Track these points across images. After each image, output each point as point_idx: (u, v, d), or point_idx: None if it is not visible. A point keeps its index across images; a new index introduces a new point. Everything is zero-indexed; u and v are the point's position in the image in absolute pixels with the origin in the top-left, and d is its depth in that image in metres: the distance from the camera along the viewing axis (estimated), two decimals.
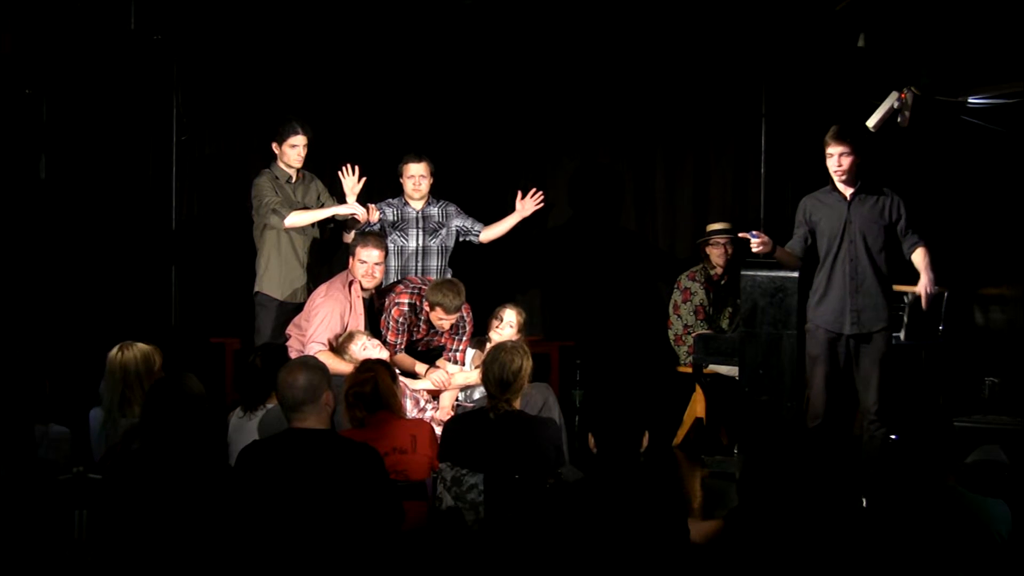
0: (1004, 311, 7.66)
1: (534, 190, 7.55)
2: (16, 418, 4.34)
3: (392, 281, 7.22)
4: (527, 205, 7.52)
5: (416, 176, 7.38)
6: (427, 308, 6.60)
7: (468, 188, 8.22)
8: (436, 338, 6.93)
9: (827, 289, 6.32)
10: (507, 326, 6.68)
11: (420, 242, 7.41)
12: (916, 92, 6.92)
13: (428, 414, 6.40)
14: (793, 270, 6.57)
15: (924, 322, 6.71)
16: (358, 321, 6.69)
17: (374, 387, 5.07)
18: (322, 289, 6.78)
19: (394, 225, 7.41)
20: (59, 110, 7.75)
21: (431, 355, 7.00)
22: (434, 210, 7.48)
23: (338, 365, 6.17)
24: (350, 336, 6.51)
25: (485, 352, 5.63)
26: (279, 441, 4.07)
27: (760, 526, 3.74)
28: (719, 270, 8.09)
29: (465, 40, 8.44)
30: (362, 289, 6.77)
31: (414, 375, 6.73)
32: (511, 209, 7.55)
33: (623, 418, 4.00)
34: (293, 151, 7.12)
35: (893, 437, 6.10)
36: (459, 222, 7.52)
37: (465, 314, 6.73)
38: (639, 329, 8.69)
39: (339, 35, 8.39)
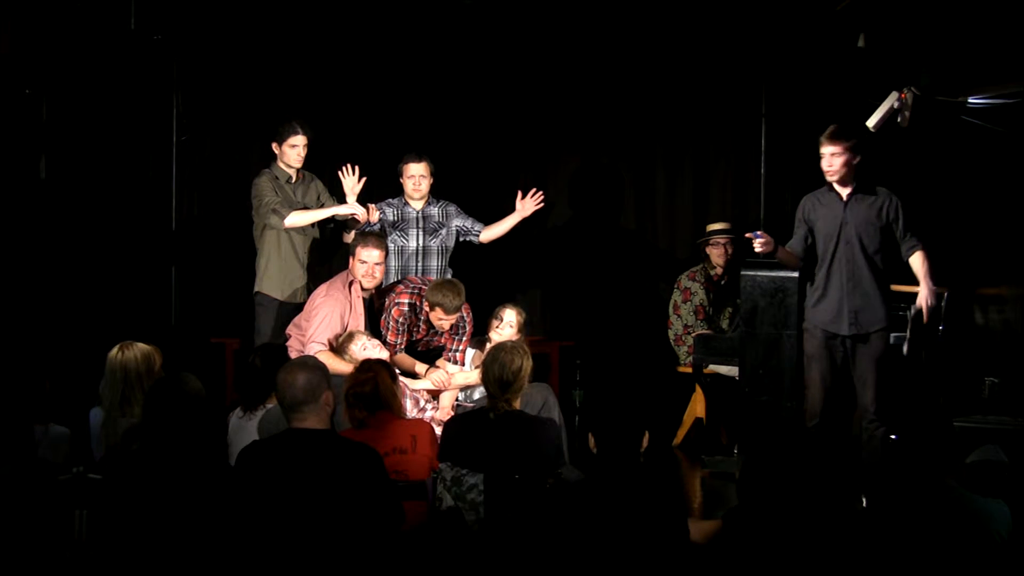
0: (1004, 311, 7.66)
1: (534, 190, 7.55)
2: (16, 418, 4.34)
3: (392, 281, 7.22)
4: (527, 205, 7.51)
5: (416, 176, 7.38)
6: (427, 308, 6.60)
7: (468, 188, 8.22)
8: (436, 338, 6.93)
9: (825, 289, 6.32)
10: (507, 326, 6.68)
11: (420, 242, 7.41)
12: (916, 92, 6.91)
13: (428, 414, 6.40)
14: (794, 270, 6.56)
15: (926, 336, 6.68)
16: (358, 321, 6.69)
17: (374, 387, 5.07)
18: (322, 289, 6.78)
19: (394, 225, 7.41)
20: (59, 110, 7.75)
21: (431, 355, 7.00)
22: (434, 210, 7.48)
23: (338, 365, 6.17)
24: (350, 336, 6.51)
25: (485, 352, 5.63)
26: (279, 441, 4.07)
27: (759, 526, 3.74)
28: (719, 270, 8.09)
29: (465, 40, 8.44)
30: (362, 289, 6.77)
31: (414, 375, 6.73)
32: (511, 209, 7.55)
33: (623, 418, 4.00)
34: (293, 151, 7.12)
35: (893, 437, 6.10)
36: (459, 222, 7.52)
37: (465, 314, 6.73)
38: (639, 329, 8.69)
39: (339, 35, 8.39)
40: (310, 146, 7.18)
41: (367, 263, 6.73)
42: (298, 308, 6.96)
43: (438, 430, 5.35)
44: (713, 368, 7.70)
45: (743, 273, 6.81)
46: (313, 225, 7.19)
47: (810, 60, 8.15)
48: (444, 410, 6.51)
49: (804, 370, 6.49)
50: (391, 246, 7.29)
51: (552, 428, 5.21)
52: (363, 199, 7.18)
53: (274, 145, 7.17)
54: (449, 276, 7.22)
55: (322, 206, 7.22)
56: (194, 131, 8.29)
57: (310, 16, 8.30)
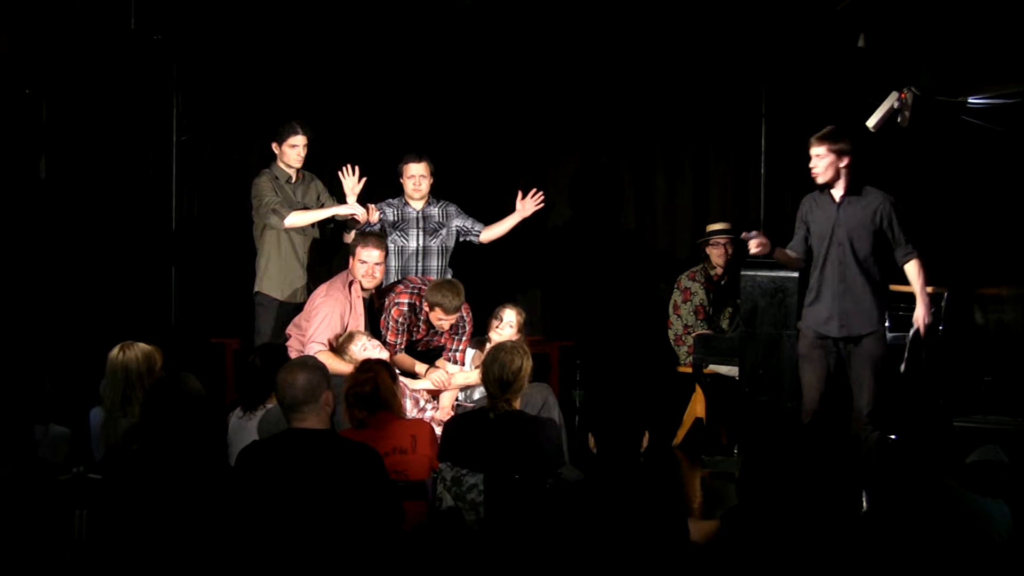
0: (1004, 311, 7.65)
1: (534, 190, 7.55)
2: (16, 418, 4.34)
3: (392, 281, 7.22)
4: (527, 205, 7.51)
5: (416, 176, 7.38)
6: (427, 308, 6.60)
7: (468, 188, 8.22)
8: (436, 338, 6.93)
9: (818, 291, 6.29)
10: (507, 326, 6.68)
11: (420, 242, 7.41)
12: (916, 92, 6.91)
13: (428, 414, 6.40)
14: (794, 270, 6.56)
15: (925, 356, 6.65)
16: (358, 321, 6.69)
17: (374, 387, 5.07)
18: (322, 289, 6.78)
19: (394, 225, 7.41)
20: (59, 110, 7.75)
21: (431, 355, 7.00)
22: (434, 210, 7.48)
23: (338, 365, 6.17)
24: (350, 336, 6.51)
25: (485, 352, 5.63)
26: (279, 441, 4.07)
27: (759, 526, 3.74)
28: (719, 270, 8.09)
29: (465, 40, 8.44)
30: (362, 289, 6.77)
31: (414, 375, 6.73)
32: (511, 209, 7.55)
33: (623, 418, 4.00)
34: (293, 151, 7.12)
35: (892, 437, 6.10)
36: (459, 222, 7.52)
37: (465, 314, 6.73)
38: (639, 329, 8.69)
39: (339, 35, 8.39)
40: (310, 146, 7.18)
41: (367, 263, 6.73)
42: (298, 308, 6.96)
43: (438, 430, 5.35)
44: (713, 368, 7.70)
45: (743, 273, 6.81)
46: (313, 225, 7.19)
47: (810, 60, 8.15)
48: (444, 410, 6.51)
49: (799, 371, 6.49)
50: (391, 246, 7.29)
51: (552, 428, 5.21)
52: (363, 199, 7.18)
53: (274, 145, 7.17)
54: (449, 276, 7.22)
55: (322, 206, 7.22)
56: (194, 131, 8.29)
57: (310, 16, 8.30)
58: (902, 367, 6.41)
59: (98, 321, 7.65)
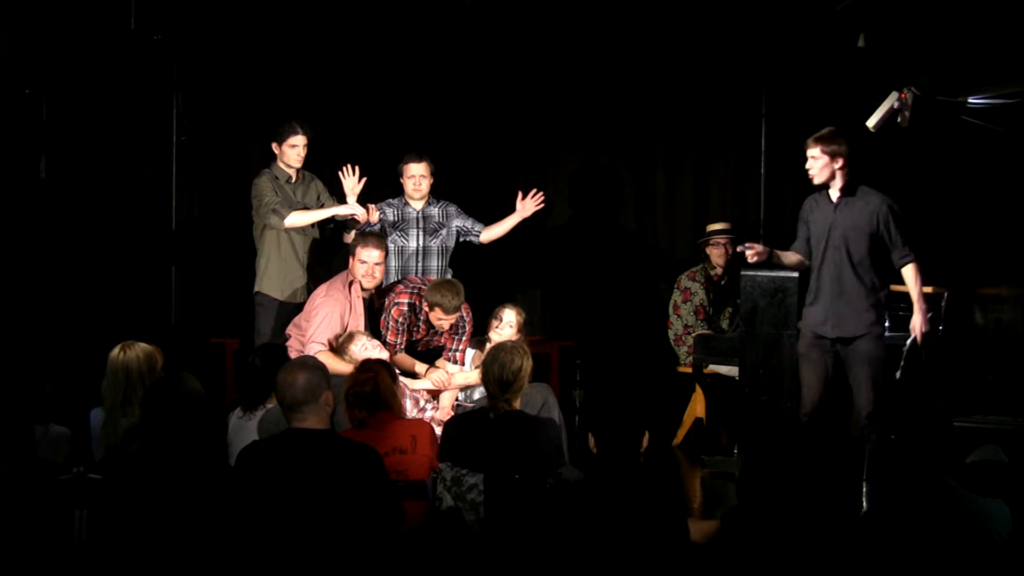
0: (1004, 311, 7.65)
1: (534, 191, 7.55)
2: (16, 418, 4.34)
3: (392, 281, 7.22)
4: (527, 206, 7.52)
5: (416, 176, 7.38)
6: (426, 308, 6.60)
7: (468, 188, 8.22)
8: (436, 338, 6.93)
9: (816, 293, 6.30)
10: (507, 326, 6.68)
11: (420, 242, 7.41)
12: (916, 92, 6.90)
13: (428, 414, 6.40)
14: (795, 270, 6.56)
15: (925, 356, 6.63)
16: (358, 321, 6.69)
17: (374, 387, 5.07)
18: (322, 289, 6.78)
19: (394, 225, 7.41)
20: (59, 110, 7.75)
21: (431, 355, 7.00)
22: (434, 210, 7.48)
23: (338, 365, 6.17)
24: (350, 336, 6.51)
25: (485, 352, 5.63)
26: (279, 441, 4.07)
27: (759, 526, 3.74)
28: (719, 270, 8.09)
29: (465, 40, 8.44)
30: (362, 289, 6.77)
31: (414, 375, 6.73)
32: (511, 209, 7.55)
33: (623, 418, 4.00)
34: (293, 151, 7.12)
35: (893, 437, 6.10)
36: (459, 222, 7.52)
37: (464, 314, 6.73)
38: (639, 329, 8.69)
39: (339, 35, 8.39)
40: (310, 146, 7.18)
41: (367, 263, 6.73)
42: (298, 308, 6.96)
43: (438, 430, 5.35)
44: (713, 368, 7.70)
45: (743, 273, 6.81)
46: (313, 225, 7.19)
47: (810, 60, 8.14)
48: (444, 410, 6.51)
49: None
50: (391, 246, 7.29)
51: (552, 428, 5.21)
52: (363, 199, 7.18)
53: (274, 145, 7.17)
54: (449, 276, 7.21)
55: (322, 206, 7.22)
56: (194, 131, 8.29)
57: (310, 16, 8.29)
58: (898, 374, 6.40)
59: (98, 321, 7.65)
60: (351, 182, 7.17)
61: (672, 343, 8.12)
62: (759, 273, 6.68)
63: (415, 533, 4.62)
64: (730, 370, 7.45)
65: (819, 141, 6.18)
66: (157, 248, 8.19)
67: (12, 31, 7.40)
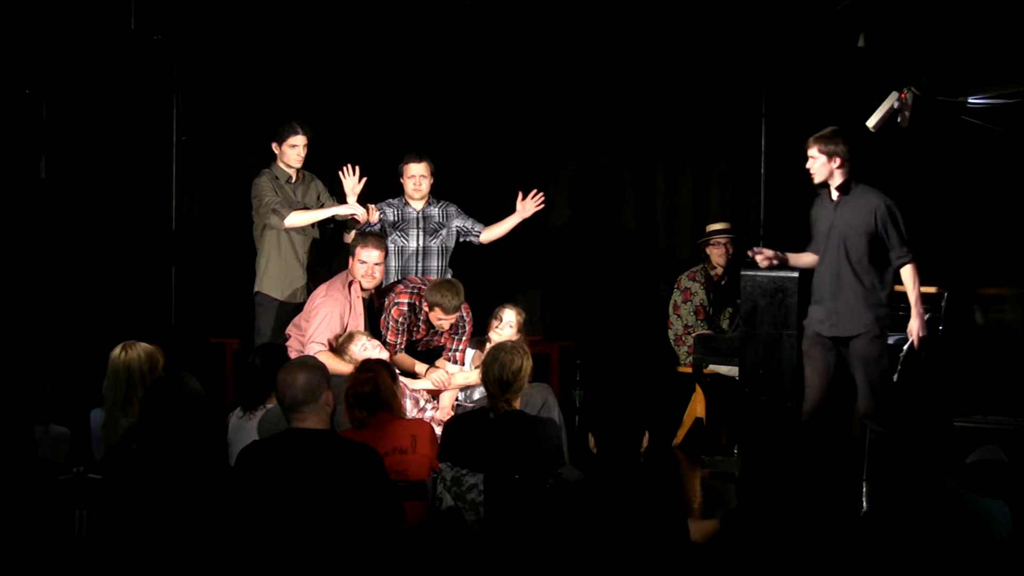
0: (1004, 311, 7.65)
1: (535, 191, 7.55)
2: (16, 418, 4.34)
3: (392, 281, 7.22)
4: (527, 206, 7.52)
5: (416, 176, 7.38)
6: (426, 308, 6.60)
7: (468, 188, 8.22)
8: (436, 338, 6.93)
9: (818, 291, 6.32)
10: (507, 326, 6.68)
11: (420, 242, 7.41)
12: (916, 92, 6.90)
13: (428, 414, 6.40)
14: (797, 270, 6.55)
15: (925, 356, 6.63)
16: (358, 321, 6.69)
17: (374, 387, 5.07)
18: (322, 289, 6.78)
19: (394, 225, 7.41)
20: (59, 110, 7.75)
21: (431, 355, 7.00)
22: (434, 210, 7.48)
23: (338, 365, 6.17)
24: (350, 336, 6.51)
25: (485, 352, 5.63)
26: (279, 441, 4.07)
27: (758, 526, 3.74)
28: (719, 270, 8.09)
29: (465, 40, 8.44)
30: (362, 289, 6.77)
31: (414, 375, 6.73)
32: (511, 209, 7.55)
33: (623, 418, 4.00)
34: (293, 151, 7.12)
35: (892, 437, 6.08)
36: (459, 222, 7.52)
37: (464, 314, 6.73)
38: (639, 329, 8.69)
39: (339, 35, 8.39)
40: (310, 146, 7.18)
41: (367, 263, 6.73)
42: (298, 308, 6.96)
43: (438, 430, 5.35)
44: (713, 368, 7.69)
45: (743, 273, 6.81)
46: (313, 225, 7.19)
47: (810, 60, 8.14)
48: (444, 410, 6.51)
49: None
50: (391, 246, 7.29)
51: (552, 428, 5.21)
52: (363, 199, 7.18)
53: (274, 145, 7.17)
54: (449, 276, 7.21)
55: (322, 206, 7.22)
56: (194, 131, 8.29)
57: (310, 16, 8.29)
58: (895, 377, 6.40)
59: (98, 321, 7.65)
60: (351, 182, 7.17)
61: (672, 343, 8.12)
62: (759, 273, 6.68)
63: (415, 533, 4.62)
64: (730, 370, 7.44)
65: (817, 141, 6.20)
66: (157, 248, 8.19)
67: (12, 31, 7.40)
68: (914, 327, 6.18)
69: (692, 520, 4.03)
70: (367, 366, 5.25)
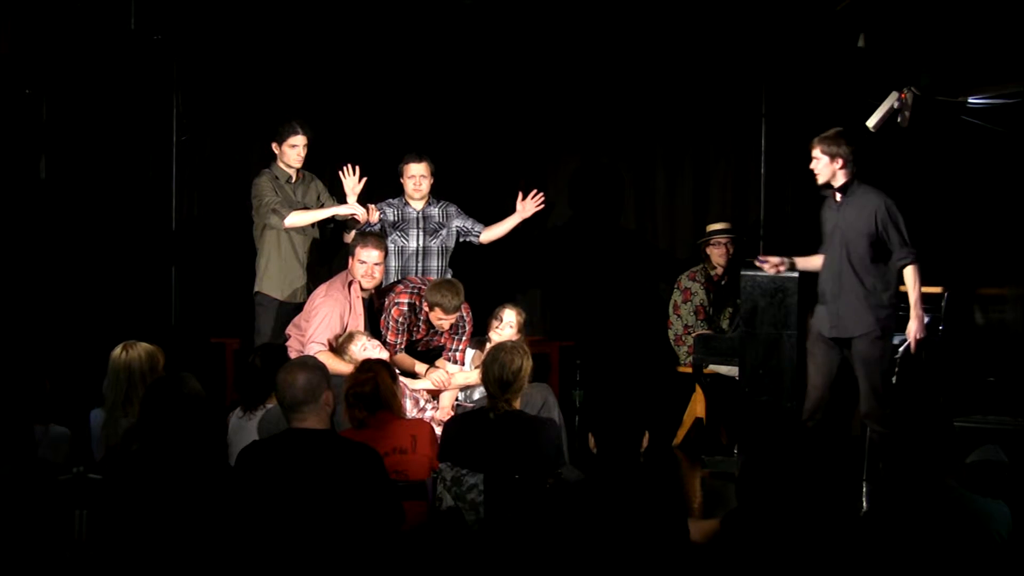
0: (1004, 311, 7.66)
1: (535, 191, 7.55)
2: (16, 418, 4.34)
3: (392, 281, 7.22)
4: (527, 206, 7.52)
5: (416, 176, 7.38)
6: (426, 308, 6.60)
7: (468, 188, 8.22)
8: (436, 338, 6.93)
9: (822, 292, 6.32)
10: (507, 326, 6.68)
11: (420, 242, 7.41)
12: (916, 92, 6.91)
13: (428, 414, 6.40)
14: (798, 271, 6.56)
15: (925, 356, 6.63)
16: (358, 321, 6.69)
17: (374, 387, 5.07)
18: (322, 289, 6.78)
19: (394, 225, 7.41)
20: (59, 110, 7.75)
21: (431, 355, 7.00)
22: (434, 210, 7.48)
23: (338, 365, 6.17)
24: (350, 336, 6.51)
25: (485, 352, 5.63)
26: (279, 441, 4.07)
27: (758, 526, 3.74)
28: (720, 270, 8.08)
29: (465, 40, 8.44)
30: (362, 289, 6.77)
31: (414, 375, 6.73)
32: (511, 209, 7.55)
33: (623, 418, 4.00)
34: (293, 151, 7.12)
35: (892, 437, 6.08)
36: (459, 222, 7.52)
37: (464, 314, 6.73)
38: (639, 329, 8.69)
39: (339, 35, 8.39)
40: (310, 146, 7.18)
41: (366, 263, 6.73)
42: (298, 308, 6.96)
43: (438, 430, 5.35)
44: (713, 368, 7.70)
45: (743, 273, 6.81)
46: (313, 225, 7.19)
47: (810, 60, 8.14)
48: (444, 410, 6.51)
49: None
50: (391, 246, 7.29)
51: (552, 428, 5.21)
52: (363, 199, 7.18)
53: (274, 145, 7.17)
54: (449, 276, 7.21)
55: (322, 206, 7.22)
56: (194, 131, 8.29)
57: (310, 16, 8.29)
58: (893, 379, 6.40)
59: (98, 321, 7.65)
60: (351, 182, 7.17)
61: (672, 343, 8.12)
62: (759, 273, 6.68)
63: (415, 533, 4.62)
64: (730, 370, 7.44)
65: (821, 142, 6.21)
66: (157, 248, 8.19)
67: (12, 31, 7.40)
68: (912, 329, 6.18)
69: (692, 520, 4.03)
70: (367, 366, 5.25)
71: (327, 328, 6.54)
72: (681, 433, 7.98)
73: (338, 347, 6.49)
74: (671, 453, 7.80)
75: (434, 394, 6.65)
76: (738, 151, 8.71)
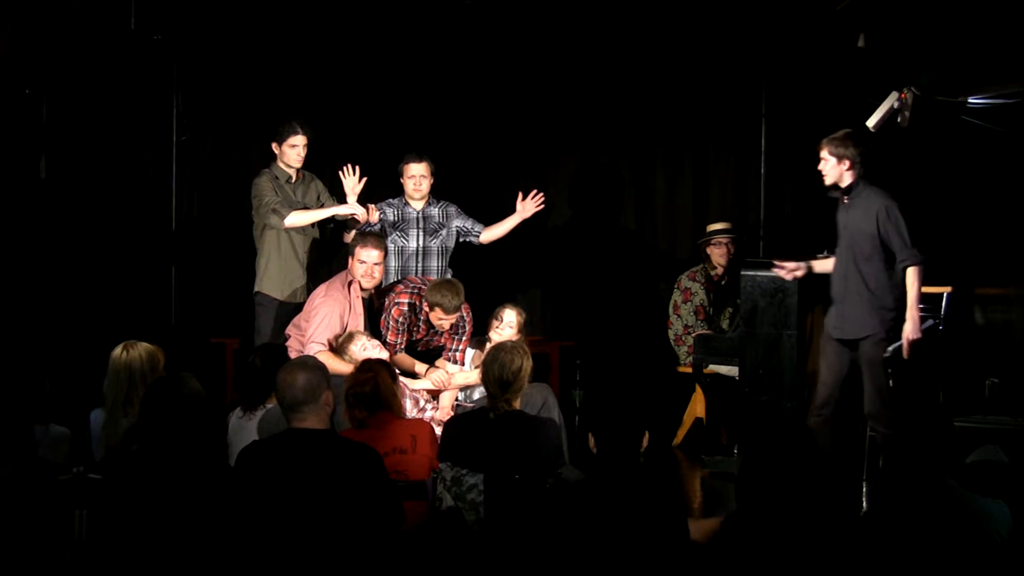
0: (1004, 311, 7.66)
1: (534, 191, 7.55)
2: (16, 418, 4.34)
3: (392, 281, 7.22)
4: (527, 206, 7.52)
5: (416, 176, 7.38)
6: (426, 308, 6.60)
7: (468, 188, 8.22)
8: (436, 338, 6.93)
9: (833, 292, 6.33)
10: (507, 326, 6.67)
11: (420, 242, 7.41)
12: (916, 92, 6.91)
13: (428, 414, 6.40)
14: None
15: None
16: (358, 321, 6.69)
17: (374, 387, 5.07)
18: (321, 289, 6.78)
19: (394, 225, 7.41)
20: (59, 110, 7.75)
21: (431, 355, 7.00)
22: (434, 210, 7.48)
23: (338, 365, 6.17)
24: (350, 336, 6.51)
25: (485, 352, 5.63)
26: (279, 441, 4.07)
27: (759, 526, 3.74)
28: (720, 270, 8.09)
29: (465, 40, 8.44)
30: (361, 289, 6.77)
31: (414, 375, 6.73)
32: (511, 209, 7.55)
33: (623, 418, 4.00)
34: (293, 151, 7.12)
35: (892, 437, 6.08)
36: (459, 223, 7.52)
37: (465, 314, 6.73)
38: (639, 329, 8.69)
39: (339, 35, 8.39)
40: (310, 146, 7.18)
41: (366, 263, 6.73)
42: (298, 308, 6.96)
43: (438, 430, 5.35)
44: (713, 368, 7.70)
45: (743, 273, 6.81)
46: (313, 225, 7.19)
47: (810, 60, 8.14)
48: (444, 410, 6.51)
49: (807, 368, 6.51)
50: (391, 246, 7.29)
51: (552, 428, 5.21)
52: (363, 199, 7.18)
53: (274, 145, 7.17)
54: (449, 276, 7.21)
55: (322, 206, 7.22)
56: (194, 131, 8.29)
57: (310, 16, 8.29)
58: (889, 382, 6.41)
59: (98, 321, 7.65)
60: (351, 182, 7.17)
61: (672, 343, 8.12)
62: (759, 273, 6.68)
63: (415, 533, 4.62)
64: (730, 370, 7.45)
65: (828, 143, 6.23)
66: (157, 248, 8.19)
67: (12, 31, 7.40)
68: (907, 329, 6.17)
69: (692, 520, 4.03)
70: (367, 366, 5.25)
71: (327, 328, 6.54)
72: (681, 433, 7.98)
73: (338, 347, 6.49)
74: (671, 453, 7.80)
75: (434, 394, 6.65)
76: (738, 151, 8.71)
